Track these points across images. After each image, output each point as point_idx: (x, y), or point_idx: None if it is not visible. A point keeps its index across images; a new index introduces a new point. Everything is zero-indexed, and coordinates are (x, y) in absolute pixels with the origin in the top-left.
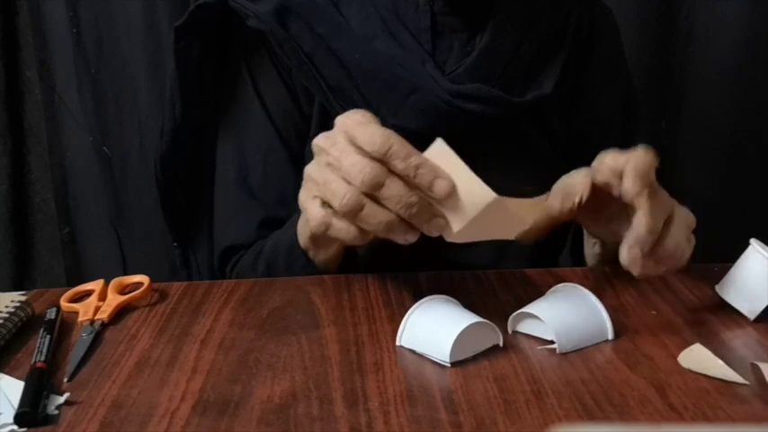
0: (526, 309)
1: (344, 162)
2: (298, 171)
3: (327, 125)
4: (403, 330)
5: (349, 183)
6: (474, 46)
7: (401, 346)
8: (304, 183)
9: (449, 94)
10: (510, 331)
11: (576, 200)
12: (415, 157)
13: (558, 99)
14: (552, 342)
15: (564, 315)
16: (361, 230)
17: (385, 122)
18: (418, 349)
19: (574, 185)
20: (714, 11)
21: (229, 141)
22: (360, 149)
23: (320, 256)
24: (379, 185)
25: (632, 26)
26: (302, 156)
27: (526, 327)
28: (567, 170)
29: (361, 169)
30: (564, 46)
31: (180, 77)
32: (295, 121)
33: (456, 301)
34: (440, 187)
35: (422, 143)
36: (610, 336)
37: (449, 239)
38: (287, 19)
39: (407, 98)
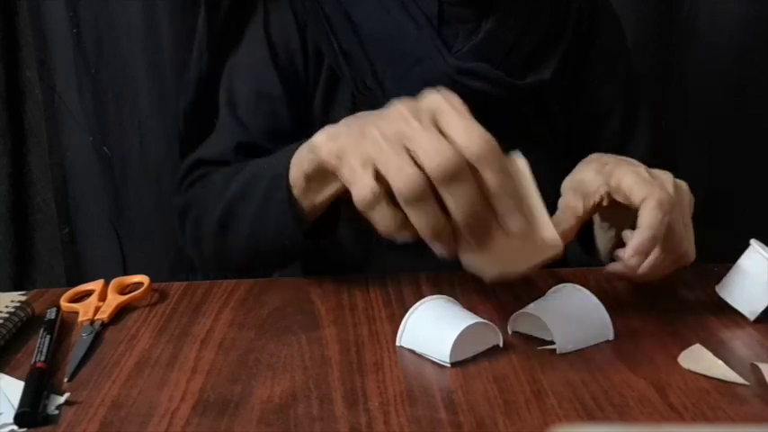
0: (526, 309)
1: (424, 138)
2: (295, 122)
3: (333, 97)
4: (403, 330)
5: (417, 164)
6: (479, 32)
7: (401, 347)
8: (363, 135)
9: (454, 70)
10: (510, 331)
11: (596, 200)
12: (509, 178)
13: (557, 86)
14: (552, 342)
15: (564, 315)
16: (404, 223)
17: (391, 92)
18: (418, 349)
19: (591, 189)
20: (714, 10)
21: (228, 68)
22: (445, 136)
23: (307, 199)
24: (455, 178)
25: (632, 26)
26: (306, 127)
27: (526, 327)
28: (566, 160)
29: (443, 152)
30: (564, 39)
31: (209, 28)
32: (298, 71)
33: (456, 302)
34: (515, 224)
35: None
36: (610, 336)
37: (464, 260)
38: None
39: (412, 68)
